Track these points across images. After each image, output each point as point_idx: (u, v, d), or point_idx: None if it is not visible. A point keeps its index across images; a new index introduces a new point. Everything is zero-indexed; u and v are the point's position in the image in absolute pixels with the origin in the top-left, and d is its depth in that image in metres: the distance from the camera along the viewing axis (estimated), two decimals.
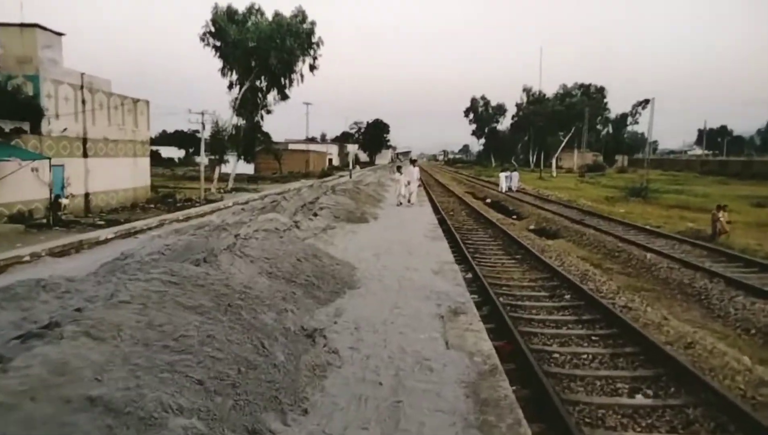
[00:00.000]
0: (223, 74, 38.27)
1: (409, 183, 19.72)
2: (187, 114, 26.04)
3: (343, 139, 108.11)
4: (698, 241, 14.77)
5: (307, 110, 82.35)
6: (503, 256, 12.90)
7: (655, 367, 6.08)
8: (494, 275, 10.77)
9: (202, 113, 25.68)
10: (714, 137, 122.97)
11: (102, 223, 20.78)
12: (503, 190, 34.49)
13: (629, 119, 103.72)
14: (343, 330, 5.23)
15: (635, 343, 6.74)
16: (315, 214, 12.76)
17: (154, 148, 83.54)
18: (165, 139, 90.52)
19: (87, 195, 24.33)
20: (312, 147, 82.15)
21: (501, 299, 8.81)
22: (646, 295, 9.73)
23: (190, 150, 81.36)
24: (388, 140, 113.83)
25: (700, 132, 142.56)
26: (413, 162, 21.11)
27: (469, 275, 10.20)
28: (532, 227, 19.54)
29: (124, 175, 27.28)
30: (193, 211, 19.23)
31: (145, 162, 29.90)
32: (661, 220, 21.95)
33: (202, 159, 27.97)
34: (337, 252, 9.33)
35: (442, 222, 17.04)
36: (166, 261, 5.50)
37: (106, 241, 13.54)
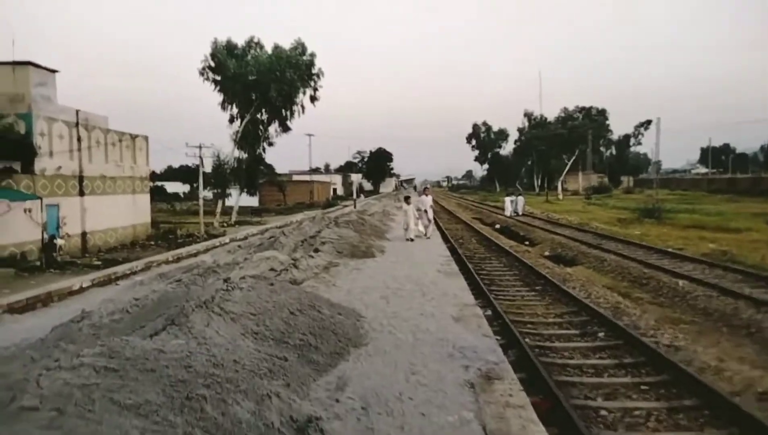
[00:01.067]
0: (223, 108, 37.99)
1: (419, 214, 17.08)
2: (186, 148, 25.39)
3: (346, 169, 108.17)
4: (728, 264, 13.79)
5: (309, 141, 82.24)
6: (522, 288, 11.93)
7: (728, 425, 5.09)
8: (515, 311, 9.80)
9: (200, 147, 25.08)
10: (717, 155, 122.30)
11: (99, 263, 19.96)
12: (509, 215, 34.13)
13: (632, 140, 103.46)
14: (346, 413, 3.96)
15: (696, 393, 5.75)
16: (316, 250, 11.64)
17: (160, 183, 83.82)
18: (171, 174, 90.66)
19: (84, 234, 23.56)
20: (316, 177, 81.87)
21: (527, 340, 7.86)
22: (688, 330, 8.73)
23: (194, 184, 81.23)
24: (392, 168, 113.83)
25: (703, 150, 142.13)
26: (425, 191, 18.90)
27: (489, 312, 9.24)
28: (547, 253, 18.58)
29: (123, 213, 26.55)
30: (183, 250, 18.16)
31: (145, 198, 29.23)
32: (680, 241, 21.01)
33: (201, 193, 27.26)
34: (340, 296, 8.26)
35: (452, 251, 16.13)
36: (131, 320, 4.61)
37: (81, 290, 11.79)
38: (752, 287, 11.07)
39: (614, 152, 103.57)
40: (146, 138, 29.14)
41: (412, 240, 15.99)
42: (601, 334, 8.14)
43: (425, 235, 17.10)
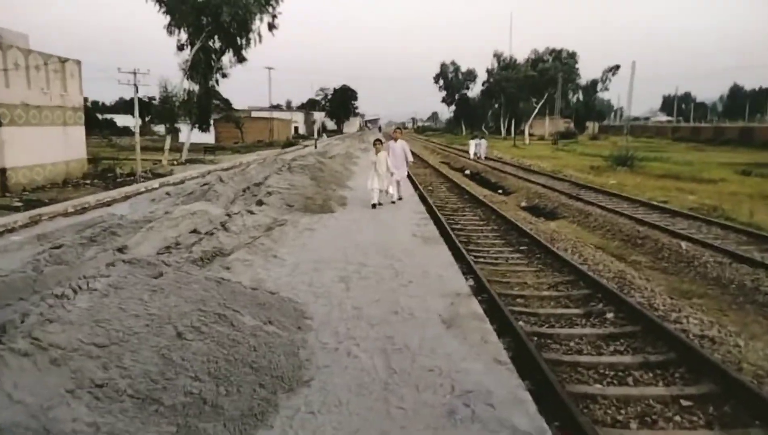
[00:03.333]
0: (170, 32, 34.24)
1: (390, 171, 11.89)
2: (120, 74, 22.24)
3: (309, 107, 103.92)
4: (723, 222, 12.55)
5: (269, 75, 77.74)
6: (505, 249, 10.30)
7: None
8: (500, 280, 8.18)
9: (134, 72, 21.97)
10: (678, 104, 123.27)
11: (20, 204, 17.50)
12: (472, 158, 35.10)
13: (599, 85, 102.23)
14: None
15: (761, 411, 4.26)
16: (260, 203, 9.53)
17: (110, 116, 78.15)
18: (122, 106, 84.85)
19: (3, 171, 20.70)
20: (276, 115, 78.06)
21: (521, 323, 6.26)
22: (708, 308, 7.32)
23: (147, 118, 76.18)
24: (357, 108, 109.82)
25: (665, 98, 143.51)
26: (395, 133, 13.60)
27: (471, 283, 7.58)
28: (524, 204, 17.07)
29: (52, 147, 23.54)
30: (115, 192, 15.51)
31: (79, 131, 26.09)
32: (659, 192, 19.93)
33: (137, 127, 24.29)
34: (281, 276, 6.16)
35: (422, 200, 14.39)
36: None
37: None
38: (764, 251, 9.79)
39: (581, 97, 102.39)
40: (78, 62, 25.65)
41: (375, 206, 11.26)
42: (609, 315, 6.60)
43: (394, 197, 12.31)
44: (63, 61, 24.71)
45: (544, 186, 20.13)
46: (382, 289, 5.93)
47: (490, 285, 7.57)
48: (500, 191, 20.50)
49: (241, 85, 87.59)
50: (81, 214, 11.57)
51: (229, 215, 8.17)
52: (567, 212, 14.88)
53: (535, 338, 5.93)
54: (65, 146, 24.61)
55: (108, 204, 13.31)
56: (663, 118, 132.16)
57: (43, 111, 22.98)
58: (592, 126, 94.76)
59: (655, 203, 15.98)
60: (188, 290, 3.80)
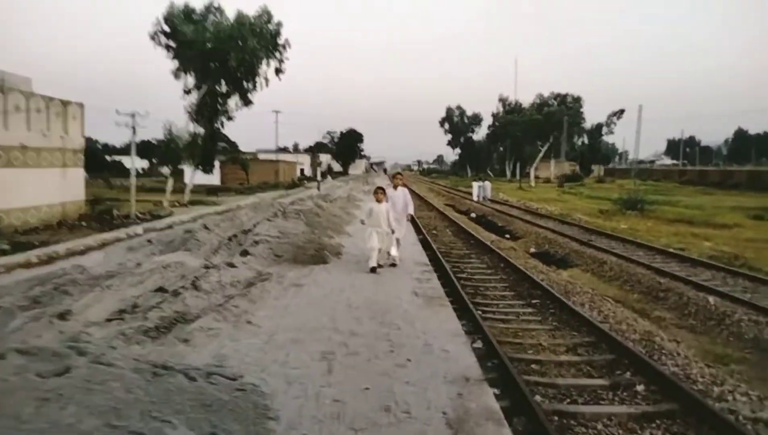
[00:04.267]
0: (176, 76, 34.40)
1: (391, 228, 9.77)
2: (119, 117, 22.01)
3: (316, 149, 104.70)
4: (754, 274, 11.67)
5: (276, 118, 78.32)
6: (516, 303, 9.45)
7: None
8: (513, 341, 7.32)
9: (132, 115, 21.74)
10: (683, 148, 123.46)
11: (6, 247, 16.88)
12: (476, 200, 35.34)
13: (604, 129, 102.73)
14: None
15: None
16: (244, 253, 8.70)
17: (118, 158, 78.58)
18: (130, 149, 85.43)
19: None
20: (282, 157, 78.45)
21: (537, 397, 5.40)
22: (749, 377, 6.41)
23: (153, 160, 76.45)
24: (362, 150, 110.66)
25: (670, 142, 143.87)
26: (395, 178, 11.15)
27: (479, 344, 6.75)
28: (533, 250, 16.27)
29: (50, 189, 23.11)
30: (103, 236, 14.61)
31: (78, 173, 25.73)
32: (674, 239, 19.12)
33: (132, 169, 23.83)
34: (251, 349, 5.17)
35: (425, 246, 13.63)
36: None
37: None
38: None
39: (586, 141, 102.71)
40: (81, 105, 25.54)
41: (374, 270, 9.26)
42: (640, 388, 5.72)
43: (396, 260, 10.03)
44: (65, 103, 24.59)
45: (553, 231, 19.36)
46: (372, 371, 4.86)
47: (501, 347, 6.72)
48: (507, 236, 19.74)
49: (249, 127, 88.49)
50: (47, 265, 10.47)
51: (207, 268, 7.37)
52: (580, 260, 14.06)
53: (556, 418, 5.05)
54: (63, 188, 24.19)
55: (82, 253, 12.21)
56: (668, 161, 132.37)
57: (42, 153, 22.67)
58: (597, 169, 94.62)
59: (672, 251, 15.16)
60: (101, 394, 2.92)
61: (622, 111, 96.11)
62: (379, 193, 9.79)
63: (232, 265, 7.76)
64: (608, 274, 12.30)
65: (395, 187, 10.77)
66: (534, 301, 9.37)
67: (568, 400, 5.53)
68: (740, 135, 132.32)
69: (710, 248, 16.95)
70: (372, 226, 9.48)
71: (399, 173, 11.23)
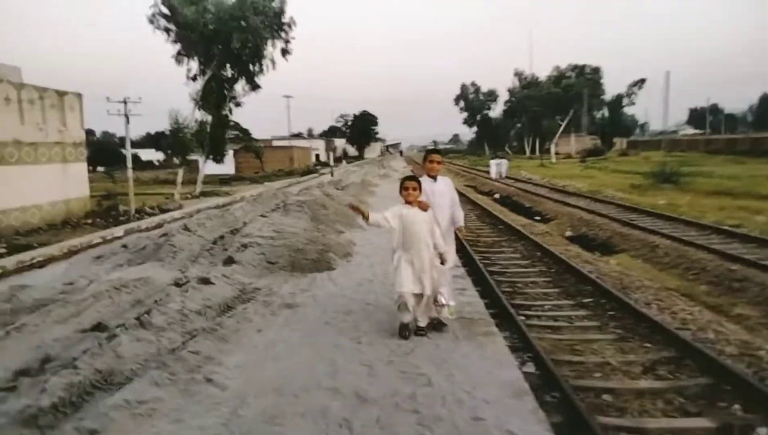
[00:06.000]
0: (178, 61, 33.08)
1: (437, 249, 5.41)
2: (109, 104, 20.67)
3: (330, 134, 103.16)
4: None
5: (288, 103, 76.83)
6: (564, 303, 7.89)
7: None
8: (572, 359, 5.82)
9: (125, 101, 20.34)
10: (705, 116, 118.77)
11: (3, 250, 15.81)
12: (494, 177, 35.14)
13: (625, 100, 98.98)
14: None
15: None
16: (229, 261, 7.10)
17: (134, 151, 78.05)
18: (148, 141, 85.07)
19: None
20: (295, 143, 77.06)
21: None
22: None
23: (169, 151, 75.56)
24: (377, 133, 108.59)
25: (692, 111, 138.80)
26: (431, 162, 5.80)
27: (533, 368, 5.29)
28: (569, 234, 14.65)
29: (50, 186, 22.00)
30: (41, 251, 12.66)
31: (80, 168, 24.57)
32: (722, 214, 17.33)
33: (129, 159, 22.42)
34: None
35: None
36: None
37: None
38: None
39: (606, 113, 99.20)
40: (79, 95, 24.27)
41: (409, 330, 5.34)
42: (763, 432, 4.19)
43: (446, 312, 5.57)
44: (61, 94, 23.37)
45: (587, 210, 17.67)
46: None
47: (558, 369, 5.25)
48: (537, 218, 18.10)
49: (262, 115, 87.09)
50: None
51: (179, 284, 5.85)
52: (625, 244, 12.42)
53: None
54: (65, 184, 23.09)
55: (41, 265, 10.22)
56: (690, 130, 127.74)
57: (39, 148, 21.53)
58: (619, 142, 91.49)
59: (726, 228, 13.42)
60: None
61: (642, 80, 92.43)
62: (410, 188, 5.30)
63: (206, 281, 6.04)
64: (663, 260, 10.66)
65: (433, 176, 5.81)
66: (585, 301, 7.82)
67: None
68: (766, 100, 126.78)
69: (766, 222, 15.24)
70: (402, 249, 5.26)
71: (436, 150, 6.11)
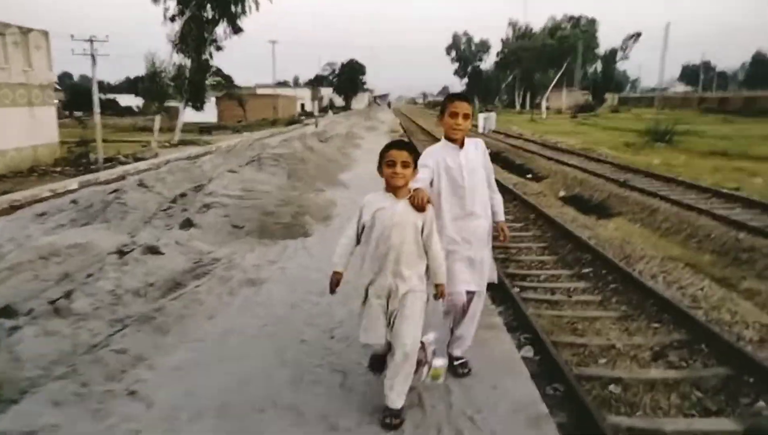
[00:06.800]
0: (155, 0, 31.05)
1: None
2: (74, 42, 19.20)
3: (316, 83, 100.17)
4: None
5: (273, 49, 73.79)
6: (562, 273, 7.24)
7: None
8: (573, 341, 5.22)
9: (91, 40, 18.88)
10: (696, 73, 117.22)
11: None
12: (481, 132, 33.65)
13: (619, 54, 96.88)
14: None
15: None
16: (187, 224, 6.08)
17: (113, 96, 75.01)
18: (127, 86, 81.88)
19: None
20: (280, 91, 74.71)
21: None
22: None
23: (146, 97, 72.70)
24: (365, 82, 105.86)
25: (685, 67, 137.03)
26: (453, 114, 3.30)
27: (531, 353, 4.68)
28: (563, 194, 14.00)
29: (14, 131, 20.75)
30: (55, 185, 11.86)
31: (48, 112, 23.25)
32: (719, 175, 16.79)
33: (96, 102, 21.04)
34: None
35: None
36: None
37: None
38: None
39: (599, 68, 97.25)
40: (45, 33, 22.64)
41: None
42: None
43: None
44: (25, 31, 21.74)
45: (580, 168, 17.00)
46: None
47: (559, 351, 4.66)
48: (529, 176, 17.39)
49: (246, 61, 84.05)
50: None
51: (122, 253, 4.95)
52: (623, 206, 11.81)
53: None
54: (32, 130, 21.83)
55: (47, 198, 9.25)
56: (681, 88, 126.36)
57: (1, 89, 20.14)
58: (611, 98, 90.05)
59: (726, 191, 12.86)
60: None
61: (638, 34, 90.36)
62: (397, 163, 2.92)
63: (154, 250, 4.98)
64: (664, 225, 10.06)
65: (453, 138, 3.44)
66: (585, 271, 7.19)
67: None
68: (759, 58, 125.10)
69: (764, 186, 14.75)
70: (372, 272, 3.03)
71: (462, 96, 3.48)
